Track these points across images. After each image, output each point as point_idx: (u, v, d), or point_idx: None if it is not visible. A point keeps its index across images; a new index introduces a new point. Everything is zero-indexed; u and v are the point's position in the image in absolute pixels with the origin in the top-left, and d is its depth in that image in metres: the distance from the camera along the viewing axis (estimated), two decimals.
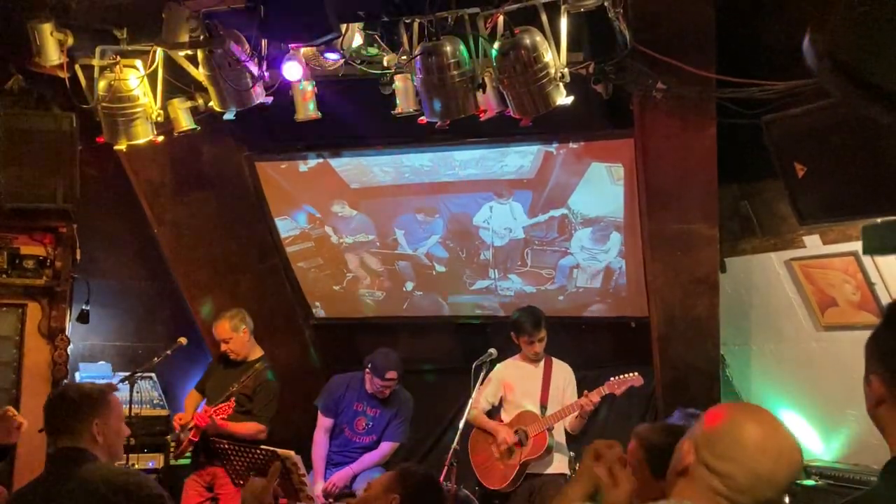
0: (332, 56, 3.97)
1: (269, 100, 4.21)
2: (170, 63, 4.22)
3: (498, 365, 5.16)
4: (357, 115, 4.94)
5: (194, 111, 4.42)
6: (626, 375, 4.87)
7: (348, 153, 5.64)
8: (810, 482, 4.85)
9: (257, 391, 5.01)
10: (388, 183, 5.69)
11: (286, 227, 6.09)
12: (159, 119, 4.31)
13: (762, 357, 5.49)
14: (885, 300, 4.35)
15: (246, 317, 5.18)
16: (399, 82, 4.17)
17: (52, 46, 4.09)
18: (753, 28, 4.20)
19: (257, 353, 5.23)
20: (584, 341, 6.02)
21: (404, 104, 4.20)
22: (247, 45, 3.93)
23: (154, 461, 5.36)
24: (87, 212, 5.15)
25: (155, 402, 5.58)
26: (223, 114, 4.25)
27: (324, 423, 5.37)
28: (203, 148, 5.54)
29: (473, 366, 4.82)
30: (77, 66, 4.22)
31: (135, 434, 4.17)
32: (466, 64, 3.85)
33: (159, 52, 4.13)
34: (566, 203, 5.43)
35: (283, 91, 4.29)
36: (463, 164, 5.47)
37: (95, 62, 4.17)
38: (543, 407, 5.05)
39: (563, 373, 5.19)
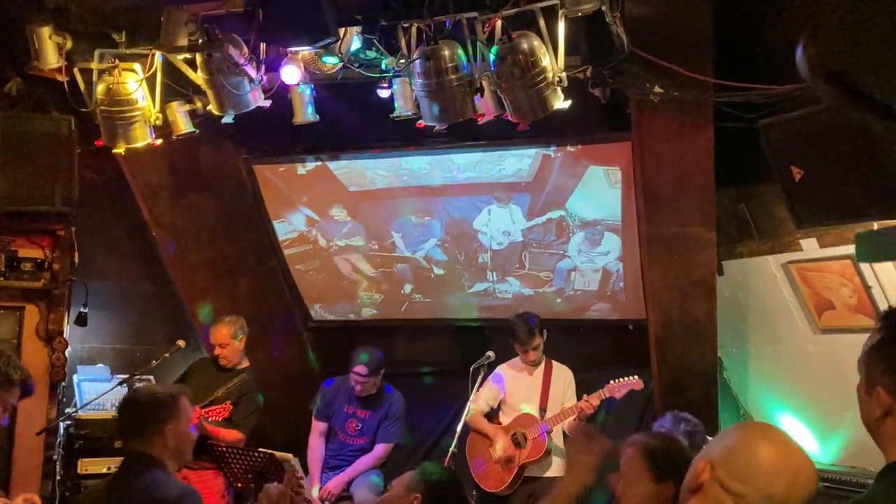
0: (330, 60, 3.98)
1: (268, 103, 4.22)
2: (168, 67, 4.22)
3: (498, 367, 5.16)
4: (355, 119, 4.95)
5: (193, 114, 4.43)
6: (627, 379, 4.86)
7: (346, 156, 5.65)
8: None
9: (242, 400, 4.99)
10: (385, 186, 5.70)
11: (284, 229, 6.09)
12: (158, 122, 4.31)
13: (759, 360, 5.49)
14: (881, 303, 4.34)
15: (245, 325, 5.19)
16: (397, 86, 4.18)
17: (50, 50, 4.08)
18: (751, 32, 4.20)
19: (245, 363, 5.22)
20: (582, 344, 6.03)
21: (402, 108, 4.21)
22: (245, 49, 3.93)
23: None
24: (85, 214, 5.14)
25: None
26: (221, 117, 4.25)
27: (318, 427, 5.36)
28: (201, 151, 5.54)
29: (472, 368, 4.83)
30: (76, 70, 4.21)
31: None
32: (464, 68, 3.85)
33: (158, 55, 4.13)
34: (564, 206, 5.44)
35: (281, 94, 4.30)
36: (461, 168, 5.47)
37: (94, 65, 4.18)
38: (543, 410, 5.04)
39: (562, 376, 5.18)
